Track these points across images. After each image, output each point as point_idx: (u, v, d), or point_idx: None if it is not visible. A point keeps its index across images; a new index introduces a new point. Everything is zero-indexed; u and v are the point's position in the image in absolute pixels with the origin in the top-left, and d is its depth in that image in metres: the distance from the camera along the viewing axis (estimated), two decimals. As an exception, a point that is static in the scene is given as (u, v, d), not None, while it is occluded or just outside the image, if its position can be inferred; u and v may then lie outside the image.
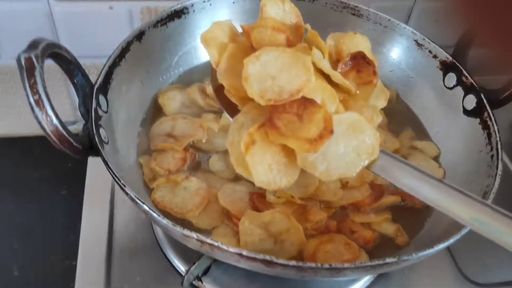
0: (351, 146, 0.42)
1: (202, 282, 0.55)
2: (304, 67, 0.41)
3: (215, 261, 0.55)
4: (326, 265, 0.39)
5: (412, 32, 0.67)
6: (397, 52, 0.69)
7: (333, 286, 0.57)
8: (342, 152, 0.41)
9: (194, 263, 0.53)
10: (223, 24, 0.48)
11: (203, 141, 0.59)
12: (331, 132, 0.40)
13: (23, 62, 0.40)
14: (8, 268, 0.69)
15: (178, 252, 0.58)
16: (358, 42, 0.49)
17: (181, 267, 0.57)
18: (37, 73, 0.40)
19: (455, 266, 0.61)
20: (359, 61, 0.47)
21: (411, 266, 0.60)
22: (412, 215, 0.55)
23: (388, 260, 0.40)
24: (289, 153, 0.42)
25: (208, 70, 0.68)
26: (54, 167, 0.82)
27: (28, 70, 0.40)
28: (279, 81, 0.41)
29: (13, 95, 0.80)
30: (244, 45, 0.46)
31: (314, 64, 0.43)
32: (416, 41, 0.67)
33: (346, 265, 0.39)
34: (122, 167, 0.51)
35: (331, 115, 0.41)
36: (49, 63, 0.49)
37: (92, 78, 0.52)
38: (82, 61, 0.74)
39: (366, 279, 0.58)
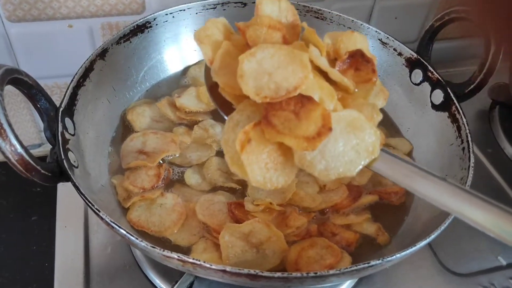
0: (350, 144, 0.40)
1: (186, 300, 0.54)
2: (301, 64, 0.40)
3: (197, 277, 0.54)
4: (312, 274, 0.39)
5: (376, 31, 0.67)
6: (362, 52, 0.70)
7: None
8: (342, 151, 0.40)
9: (176, 282, 0.51)
10: (218, 21, 0.46)
11: (176, 155, 0.58)
12: (330, 129, 0.39)
13: (-19, 91, 0.38)
14: (-19, 303, 0.66)
15: (159, 272, 0.57)
16: (356, 41, 0.48)
17: (163, 287, 0.56)
18: (-3, 102, 0.38)
19: (436, 259, 0.62)
20: (358, 59, 0.46)
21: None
22: (391, 212, 0.56)
23: (372, 262, 0.40)
24: (286, 152, 0.40)
25: (176, 83, 0.67)
26: (21, 193, 0.79)
27: (-14, 99, 0.38)
28: (275, 78, 0.39)
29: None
30: (239, 42, 0.44)
31: (311, 61, 0.42)
32: (380, 40, 0.67)
33: (331, 271, 0.39)
34: (94, 189, 0.49)
35: (329, 113, 0.39)
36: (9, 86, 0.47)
37: (56, 99, 0.50)
38: (44, 82, 0.72)
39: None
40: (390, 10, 0.86)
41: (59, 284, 0.57)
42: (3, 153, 0.39)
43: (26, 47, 0.70)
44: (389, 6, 0.85)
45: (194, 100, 0.64)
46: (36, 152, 0.78)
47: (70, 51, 0.72)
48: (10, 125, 0.39)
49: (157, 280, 0.56)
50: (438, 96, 0.60)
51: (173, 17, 0.65)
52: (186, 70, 0.69)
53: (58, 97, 0.50)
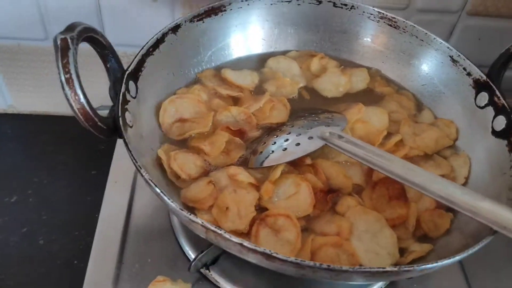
0: None
1: (209, 271, 0.57)
2: None
3: (224, 252, 0.57)
4: (324, 265, 0.39)
5: (448, 47, 0.66)
6: (430, 67, 0.68)
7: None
8: None
9: (203, 251, 0.54)
10: None
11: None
12: None
13: (58, 42, 0.43)
14: (34, 236, 0.73)
15: (190, 240, 0.60)
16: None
17: (191, 254, 0.59)
18: (70, 54, 0.43)
19: (466, 283, 0.60)
20: None
21: (420, 278, 0.59)
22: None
23: (388, 268, 0.40)
24: None
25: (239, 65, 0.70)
26: (87, 148, 0.86)
27: (62, 50, 0.43)
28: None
29: (57, 76, 0.84)
30: None
31: None
32: (451, 57, 0.66)
33: (344, 267, 0.40)
34: (143, 151, 0.53)
35: None
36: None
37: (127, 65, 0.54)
38: (123, 49, 0.78)
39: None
40: (474, 30, 0.83)
41: (99, 234, 0.62)
42: (68, 100, 0.43)
43: (113, 15, 0.76)
44: (474, 25, 0.82)
45: (242, 76, 0.66)
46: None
47: (151, 24, 0.77)
48: (78, 76, 0.43)
49: (187, 248, 0.60)
50: (501, 123, 0.58)
51: (248, 4, 0.67)
52: (263, 60, 0.71)
53: (127, 65, 0.54)
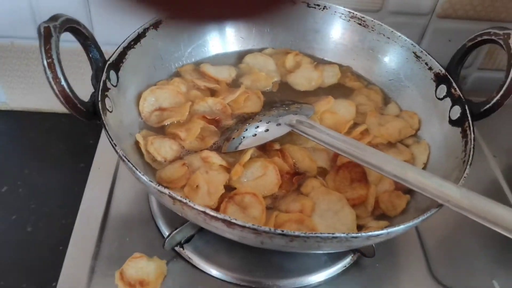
0: None
1: (183, 249, 0.60)
2: None
3: (199, 231, 0.61)
4: (279, 230, 0.43)
5: (412, 44, 0.70)
6: (397, 63, 0.73)
7: (307, 266, 0.61)
8: None
9: (176, 229, 0.58)
10: None
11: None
12: None
13: (42, 30, 0.47)
14: (23, 224, 0.77)
15: (166, 221, 0.64)
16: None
17: (166, 232, 0.62)
18: (52, 41, 0.47)
19: (428, 268, 0.64)
20: None
21: (383, 260, 0.63)
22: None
23: (337, 234, 0.44)
24: None
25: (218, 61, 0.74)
26: (77, 143, 0.90)
27: (45, 37, 0.47)
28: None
29: (48, 73, 0.89)
30: None
31: None
32: (414, 53, 0.70)
33: (297, 233, 0.43)
34: (121, 136, 0.57)
35: None
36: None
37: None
38: (110, 48, 0.82)
39: (338, 267, 0.62)
40: (445, 32, 0.87)
41: (80, 219, 0.65)
42: (49, 83, 0.47)
43: (102, 12, 0.80)
44: (444, 27, 0.87)
45: (220, 70, 0.70)
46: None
47: (139, 25, 0.81)
48: (59, 61, 0.48)
49: (163, 228, 0.63)
50: (456, 112, 0.62)
51: (226, 3, 0.72)
52: (241, 56, 0.76)
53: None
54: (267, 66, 0.75)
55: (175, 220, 0.60)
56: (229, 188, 0.57)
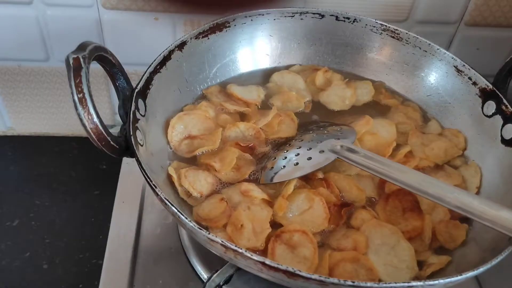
0: None
1: (223, 291, 0.56)
2: None
3: (237, 270, 0.56)
4: (349, 282, 0.39)
5: (452, 57, 0.66)
6: (435, 77, 0.69)
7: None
8: None
9: (216, 271, 0.53)
10: None
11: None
12: None
13: (71, 62, 0.42)
14: (38, 261, 0.71)
15: (201, 259, 0.59)
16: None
17: (204, 274, 0.58)
18: (83, 73, 0.42)
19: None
20: None
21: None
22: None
23: (413, 283, 0.40)
24: None
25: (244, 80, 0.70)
26: (89, 168, 0.85)
27: (75, 69, 0.42)
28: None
29: (58, 97, 0.84)
30: None
31: None
32: (455, 67, 0.66)
33: (369, 283, 0.39)
34: (154, 169, 0.52)
35: None
36: (95, 67, 0.51)
37: (133, 84, 0.54)
38: (124, 68, 0.77)
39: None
40: (473, 40, 0.84)
41: (109, 255, 0.61)
42: (81, 120, 0.42)
43: (114, 33, 0.76)
44: (472, 36, 0.83)
45: (247, 91, 0.66)
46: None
47: (152, 42, 0.77)
48: (91, 96, 0.43)
49: (199, 267, 0.59)
50: (510, 131, 0.58)
51: (251, 20, 0.67)
52: (267, 75, 0.71)
53: (135, 82, 0.54)
54: (296, 85, 0.70)
55: (212, 259, 0.55)
56: (273, 224, 0.52)
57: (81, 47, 0.44)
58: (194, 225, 0.41)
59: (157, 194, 0.44)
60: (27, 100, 0.84)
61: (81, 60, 0.42)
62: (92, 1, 0.72)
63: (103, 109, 0.86)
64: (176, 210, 0.42)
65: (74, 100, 0.42)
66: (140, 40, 0.77)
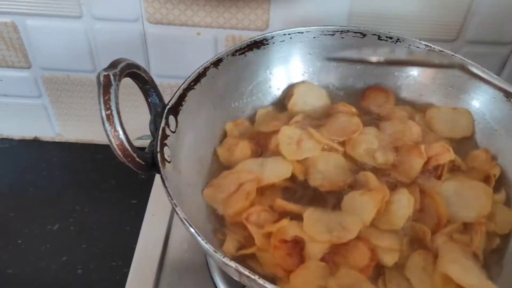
0: None
1: (244, 313, 0.55)
2: None
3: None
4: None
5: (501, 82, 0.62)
6: (481, 102, 0.65)
7: None
8: None
9: (237, 292, 0.53)
10: None
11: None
12: None
13: (101, 79, 0.43)
14: (73, 265, 0.74)
15: (225, 279, 0.58)
16: None
17: (225, 294, 0.57)
18: (112, 90, 0.43)
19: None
20: None
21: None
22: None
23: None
24: None
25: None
26: (129, 176, 0.86)
27: (104, 86, 0.43)
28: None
29: (102, 106, 0.87)
30: None
31: None
32: (505, 90, 0.62)
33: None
34: (180, 187, 0.52)
35: None
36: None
37: (167, 97, 0.54)
38: (167, 81, 0.79)
39: None
40: (529, 62, 0.79)
41: (136, 265, 0.62)
42: (107, 136, 0.43)
43: (158, 47, 0.78)
44: (529, 58, 0.78)
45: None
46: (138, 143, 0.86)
47: (194, 56, 0.78)
48: (118, 112, 0.43)
49: (221, 286, 0.58)
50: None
51: (290, 38, 0.67)
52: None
53: (169, 96, 0.55)
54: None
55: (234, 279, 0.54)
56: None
57: (113, 64, 0.45)
58: (209, 247, 0.41)
59: (176, 213, 0.44)
60: (74, 108, 0.88)
61: (111, 77, 0.43)
62: (138, 15, 0.74)
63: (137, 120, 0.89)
64: (193, 231, 0.42)
65: (102, 116, 0.43)
66: (183, 54, 0.79)
